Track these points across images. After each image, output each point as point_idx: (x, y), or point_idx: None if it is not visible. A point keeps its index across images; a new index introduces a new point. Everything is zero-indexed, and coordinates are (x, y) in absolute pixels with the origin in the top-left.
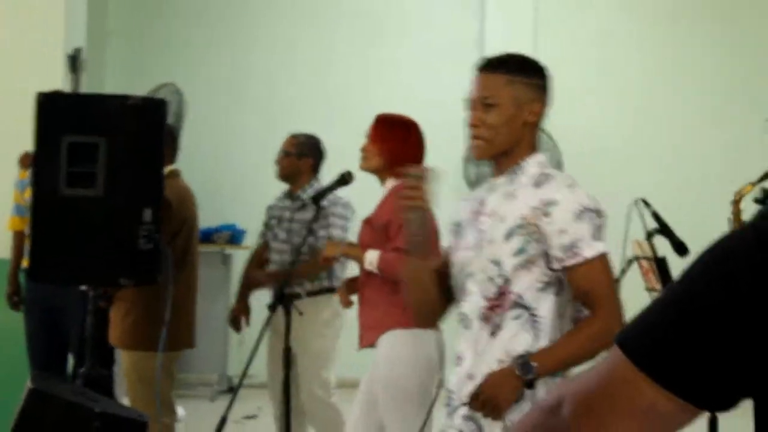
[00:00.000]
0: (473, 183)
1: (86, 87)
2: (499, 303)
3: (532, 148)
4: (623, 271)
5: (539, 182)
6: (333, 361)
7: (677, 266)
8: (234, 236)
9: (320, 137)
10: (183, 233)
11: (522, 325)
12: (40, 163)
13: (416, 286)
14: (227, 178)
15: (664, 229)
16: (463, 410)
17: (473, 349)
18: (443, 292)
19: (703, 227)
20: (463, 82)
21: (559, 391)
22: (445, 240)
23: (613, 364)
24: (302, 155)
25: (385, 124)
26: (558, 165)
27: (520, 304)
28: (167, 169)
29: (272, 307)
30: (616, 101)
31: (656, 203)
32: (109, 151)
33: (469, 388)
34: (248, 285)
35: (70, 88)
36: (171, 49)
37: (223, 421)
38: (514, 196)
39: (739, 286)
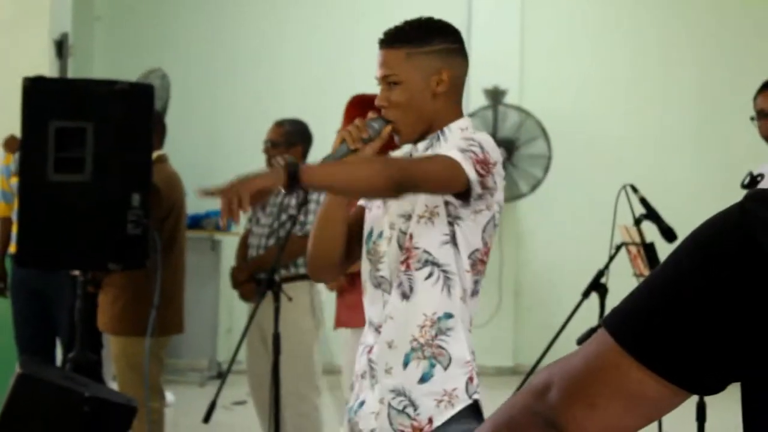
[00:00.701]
0: None
1: (73, 72)
2: (407, 261)
3: (455, 115)
4: (611, 257)
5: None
6: (316, 350)
7: (665, 252)
8: None
9: (307, 120)
10: (171, 218)
11: (434, 284)
12: (27, 149)
13: (326, 222)
14: (216, 164)
15: (652, 215)
16: (389, 382)
17: (391, 314)
18: (347, 245)
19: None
20: None
21: (547, 375)
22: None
23: (600, 348)
24: (291, 144)
25: (357, 105)
26: (550, 155)
27: (429, 261)
28: (155, 154)
29: (260, 294)
30: (605, 87)
31: (643, 190)
32: (96, 136)
33: (392, 357)
34: (237, 284)
35: (57, 73)
36: (158, 33)
37: (212, 406)
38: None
39: (725, 268)
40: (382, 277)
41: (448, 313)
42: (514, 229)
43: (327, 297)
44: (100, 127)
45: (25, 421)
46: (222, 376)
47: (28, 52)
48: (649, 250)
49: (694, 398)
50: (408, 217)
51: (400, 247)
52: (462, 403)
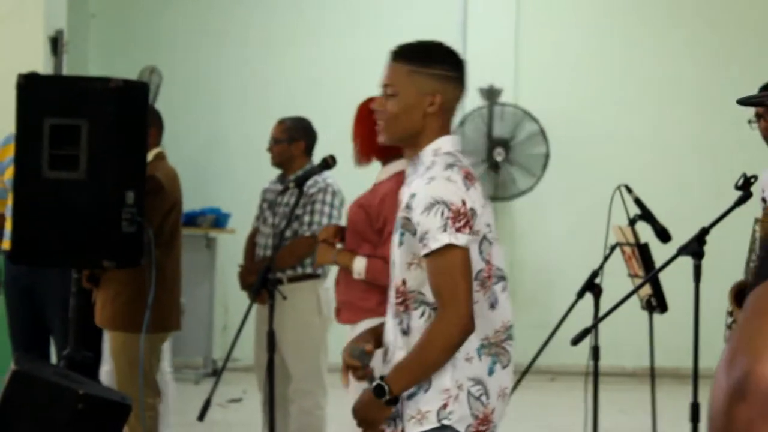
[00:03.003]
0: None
1: (68, 69)
2: (405, 303)
3: (439, 135)
4: (606, 258)
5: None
6: (324, 350)
7: (660, 252)
8: (218, 219)
9: (309, 118)
10: (173, 214)
11: (426, 321)
12: (22, 146)
13: None
14: (211, 161)
15: (647, 216)
16: None
17: (399, 346)
18: None
19: (685, 214)
20: None
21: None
22: None
23: None
24: (293, 140)
25: (359, 110)
26: (546, 154)
27: (422, 301)
28: (154, 151)
29: (256, 292)
30: (600, 86)
31: (639, 190)
32: (91, 133)
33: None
34: (246, 286)
35: (52, 70)
36: (153, 31)
37: (207, 403)
38: (409, 187)
39: None
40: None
41: None
42: (508, 228)
43: None
44: (94, 124)
45: (19, 418)
46: (217, 373)
47: (23, 48)
48: (643, 250)
49: (688, 398)
50: (393, 261)
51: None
52: (430, 424)
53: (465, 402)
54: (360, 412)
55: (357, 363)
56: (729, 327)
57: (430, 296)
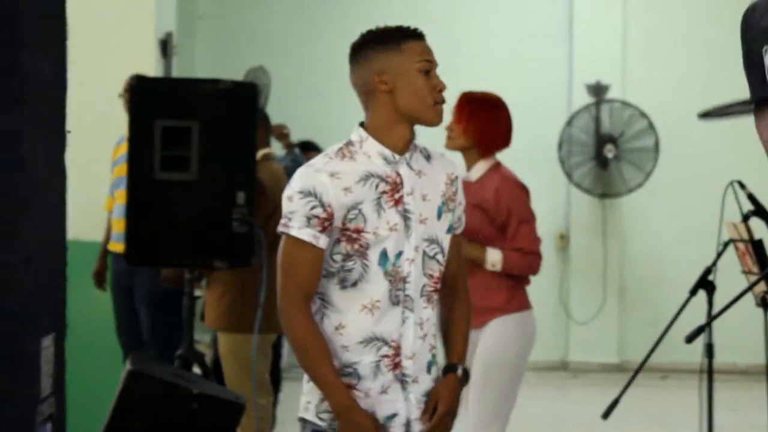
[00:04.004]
0: (569, 167)
1: (177, 71)
2: (439, 288)
3: None
4: (719, 254)
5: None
6: None
7: None
8: None
9: None
10: (275, 216)
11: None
12: (134, 147)
13: None
14: None
15: (761, 212)
16: (421, 388)
17: (416, 330)
18: None
19: None
20: (553, 58)
21: None
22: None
23: None
24: None
25: (472, 103)
26: (655, 149)
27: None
28: (261, 152)
29: None
30: (709, 81)
31: (751, 185)
32: (201, 134)
33: (417, 366)
34: None
35: (162, 72)
36: (260, 32)
37: None
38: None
39: None
40: (406, 296)
41: None
42: (618, 225)
43: None
44: (205, 125)
45: (135, 418)
46: None
47: (134, 51)
48: (757, 247)
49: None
50: (432, 241)
51: (424, 267)
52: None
53: None
54: (455, 406)
55: None
56: None
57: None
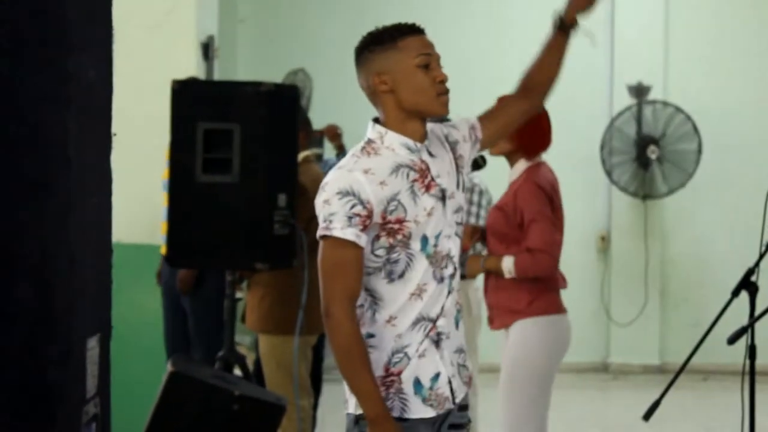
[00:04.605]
0: (611, 167)
1: (218, 74)
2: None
3: None
4: (761, 255)
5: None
6: (474, 350)
7: None
8: None
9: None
10: (315, 219)
11: None
12: (176, 150)
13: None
14: None
15: None
16: (455, 343)
17: (456, 296)
18: None
19: None
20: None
21: None
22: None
23: None
24: None
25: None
26: (698, 150)
27: None
28: (302, 155)
29: None
30: (753, 82)
31: None
32: (243, 137)
33: (446, 325)
34: None
35: (204, 75)
36: (300, 34)
37: None
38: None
39: None
40: (451, 275)
41: None
42: (659, 226)
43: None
44: (246, 128)
45: (176, 419)
46: None
47: (176, 54)
48: None
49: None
50: (458, 209)
51: (458, 236)
52: None
53: None
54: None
55: None
56: None
57: None
